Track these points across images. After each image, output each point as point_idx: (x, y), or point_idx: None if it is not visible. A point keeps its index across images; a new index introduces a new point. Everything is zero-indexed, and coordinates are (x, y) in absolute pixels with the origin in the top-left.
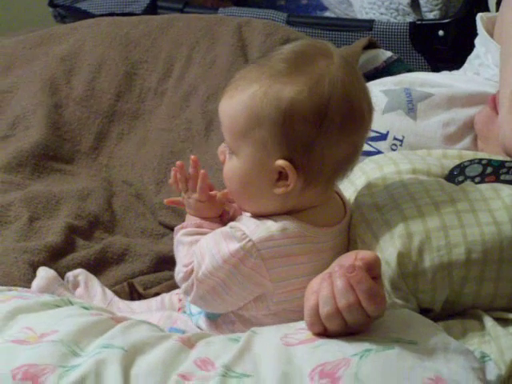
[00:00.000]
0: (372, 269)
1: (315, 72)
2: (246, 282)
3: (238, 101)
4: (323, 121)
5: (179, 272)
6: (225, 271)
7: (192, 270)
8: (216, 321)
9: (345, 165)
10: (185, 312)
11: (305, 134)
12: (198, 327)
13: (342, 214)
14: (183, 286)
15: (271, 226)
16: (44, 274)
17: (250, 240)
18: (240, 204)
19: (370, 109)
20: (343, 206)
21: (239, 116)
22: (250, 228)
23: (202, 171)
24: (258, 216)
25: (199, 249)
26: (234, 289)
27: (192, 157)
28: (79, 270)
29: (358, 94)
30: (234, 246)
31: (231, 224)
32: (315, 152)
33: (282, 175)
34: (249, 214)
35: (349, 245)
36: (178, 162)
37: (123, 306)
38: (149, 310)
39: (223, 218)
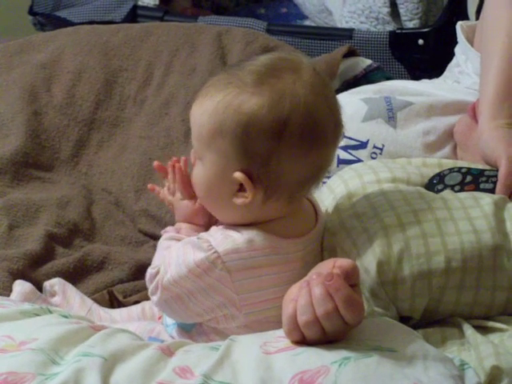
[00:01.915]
0: (350, 277)
1: (279, 88)
2: (211, 292)
3: (205, 109)
4: (281, 137)
5: (147, 273)
6: (190, 281)
7: (157, 273)
8: (190, 332)
9: (307, 181)
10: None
11: (262, 148)
12: (173, 338)
13: (312, 224)
14: (149, 288)
15: (238, 238)
16: (20, 288)
17: (215, 251)
18: (207, 208)
19: (336, 128)
20: (315, 214)
21: (204, 124)
22: (216, 239)
23: (177, 164)
24: (226, 224)
25: (168, 255)
26: (198, 298)
27: (173, 158)
28: (55, 280)
29: (321, 113)
30: (200, 256)
31: (199, 235)
32: (273, 167)
33: (242, 187)
34: (221, 225)
35: (327, 253)
36: (169, 163)
37: (103, 314)
38: (129, 320)
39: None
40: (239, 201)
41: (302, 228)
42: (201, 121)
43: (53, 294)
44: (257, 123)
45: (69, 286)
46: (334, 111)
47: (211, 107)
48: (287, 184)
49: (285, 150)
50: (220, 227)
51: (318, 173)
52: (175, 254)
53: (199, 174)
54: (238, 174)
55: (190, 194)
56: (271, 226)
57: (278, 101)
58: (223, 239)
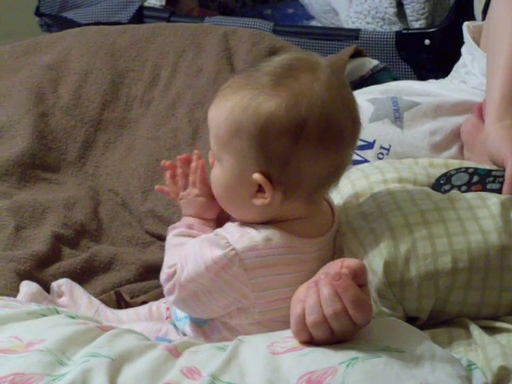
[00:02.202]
0: (358, 276)
1: (296, 89)
2: (228, 290)
3: (222, 110)
4: (299, 138)
5: (163, 273)
6: (207, 278)
7: (174, 272)
8: (203, 327)
9: (326, 182)
10: (173, 323)
11: (280, 149)
12: (184, 333)
13: (329, 224)
14: (166, 287)
15: (255, 236)
16: (27, 289)
17: (233, 249)
18: (225, 209)
19: (354, 127)
20: (332, 215)
21: (222, 125)
22: (234, 237)
23: (200, 160)
24: (243, 223)
25: (184, 253)
26: (215, 295)
27: (195, 151)
28: (63, 280)
29: (339, 113)
30: (217, 253)
31: (216, 231)
32: (291, 168)
33: (261, 187)
34: (236, 221)
35: (335, 253)
36: (179, 157)
37: (110, 315)
38: (136, 320)
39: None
40: (258, 202)
41: (319, 228)
42: (218, 122)
43: (60, 295)
44: (274, 124)
45: (76, 287)
46: (352, 111)
47: (228, 109)
48: (306, 184)
49: (303, 150)
50: (236, 223)
51: (336, 172)
52: (192, 251)
53: (218, 175)
54: (256, 176)
55: (210, 192)
56: (289, 224)
57: (296, 102)
58: (240, 236)
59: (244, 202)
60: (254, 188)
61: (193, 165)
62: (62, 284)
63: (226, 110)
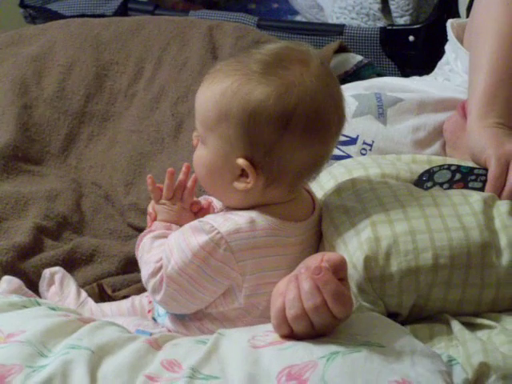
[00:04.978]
0: (338, 270)
1: (287, 79)
2: (216, 276)
3: (211, 93)
4: (286, 128)
5: (148, 269)
6: (194, 266)
7: (161, 267)
8: (183, 319)
9: (308, 171)
10: (153, 318)
11: (266, 137)
12: (165, 327)
13: (310, 211)
14: (151, 284)
15: (239, 220)
16: (6, 286)
17: (218, 232)
18: (207, 190)
19: (340, 121)
20: (312, 202)
21: (209, 109)
22: (217, 221)
23: (194, 175)
24: (226, 208)
25: (168, 245)
26: (203, 284)
27: (185, 164)
28: (57, 268)
29: (327, 106)
30: (203, 238)
31: (199, 219)
32: (275, 156)
33: (244, 172)
34: (217, 211)
35: (320, 243)
36: (169, 170)
37: (95, 308)
38: (119, 314)
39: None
40: (241, 186)
41: (301, 213)
42: (207, 105)
43: (51, 283)
44: (263, 113)
45: (67, 277)
46: (339, 104)
47: (218, 93)
48: (288, 172)
49: (289, 140)
50: (218, 214)
51: (319, 163)
52: (175, 242)
53: (202, 156)
54: (241, 161)
55: (193, 203)
56: (271, 208)
57: (285, 92)
58: (224, 221)
59: (226, 184)
60: (237, 172)
61: (181, 177)
62: (56, 272)
63: (215, 94)
